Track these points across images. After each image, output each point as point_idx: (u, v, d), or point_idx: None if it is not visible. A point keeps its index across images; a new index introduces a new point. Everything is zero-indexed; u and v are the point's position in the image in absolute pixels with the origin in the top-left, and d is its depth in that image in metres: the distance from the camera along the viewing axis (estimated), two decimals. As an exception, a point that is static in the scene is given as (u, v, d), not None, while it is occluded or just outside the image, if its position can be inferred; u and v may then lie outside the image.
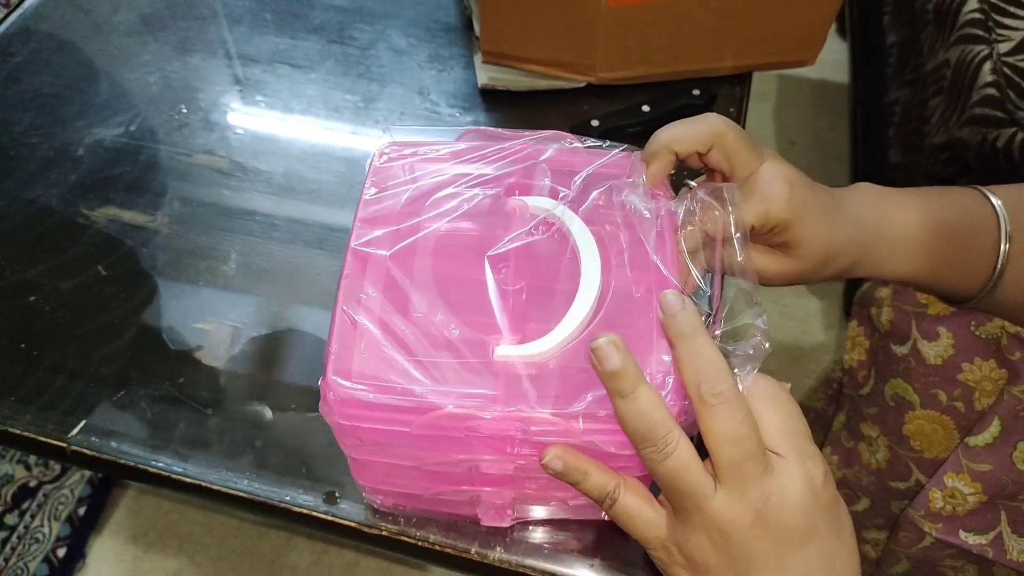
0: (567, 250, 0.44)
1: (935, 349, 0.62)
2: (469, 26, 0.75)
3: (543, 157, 0.48)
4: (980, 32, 1.05)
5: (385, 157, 0.48)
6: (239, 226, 0.63)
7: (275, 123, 0.70)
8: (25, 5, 0.78)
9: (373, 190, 0.46)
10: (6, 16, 0.77)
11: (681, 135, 0.47)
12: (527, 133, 0.49)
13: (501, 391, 0.39)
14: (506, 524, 0.48)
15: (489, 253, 0.44)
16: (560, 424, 0.39)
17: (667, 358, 0.40)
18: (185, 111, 0.70)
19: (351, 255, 0.43)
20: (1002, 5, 1.05)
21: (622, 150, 0.48)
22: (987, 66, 1.01)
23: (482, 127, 0.51)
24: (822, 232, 0.48)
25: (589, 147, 0.49)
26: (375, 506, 0.49)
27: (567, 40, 0.67)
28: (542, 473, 0.40)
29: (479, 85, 0.71)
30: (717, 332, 0.41)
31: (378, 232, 0.44)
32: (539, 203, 0.46)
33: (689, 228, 0.45)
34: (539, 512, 0.48)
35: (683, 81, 0.71)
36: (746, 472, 0.38)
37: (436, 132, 0.50)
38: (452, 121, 0.69)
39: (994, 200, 0.51)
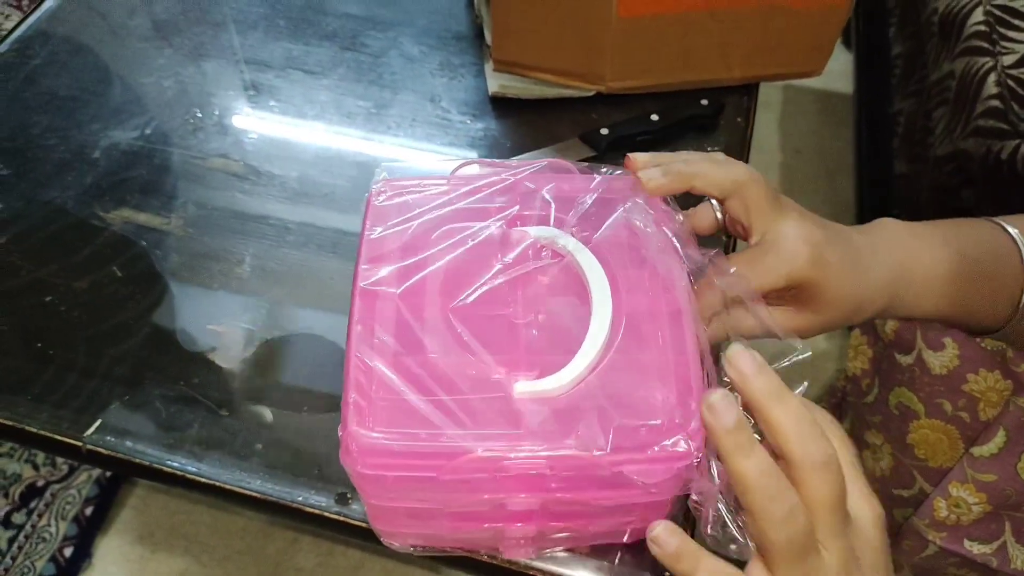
0: (575, 278, 0.44)
1: (940, 359, 0.62)
2: (480, 35, 0.75)
3: (544, 187, 0.48)
4: (985, 44, 1.06)
5: (383, 196, 0.47)
6: (253, 229, 0.64)
7: (288, 128, 0.71)
8: (42, 8, 0.79)
9: (376, 229, 0.46)
10: (24, 19, 0.78)
11: (705, 172, 0.46)
12: (524, 164, 0.49)
13: (525, 429, 0.39)
14: (529, 557, 0.48)
15: (497, 285, 0.43)
16: (589, 458, 0.38)
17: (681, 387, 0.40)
18: (199, 115, 0.71)
19: (359, 297, 0.43)
20: (1007, 18, 1.06)
21: (622, 173, 0.48)
22: (992, 78, 1.02)
23: (478, 159, 0.51)
24: (849, 285, 0.46)
25: (587, 171, 0.49)
26: (392, 548, 0.48)
27: (578, 50, 0.68)
28: (568, 507, 0.40)
29: (490, 93, 0.72)
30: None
31: (384, 271, 0.44)
32: (543, 232, 0.46)
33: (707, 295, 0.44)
34: (560, 542, 0.48)
35: (692, 91, 0.72)
36: (843, 523, 0.36)
37: (431, 168, 0.50)
38: (463, 128, 0.70)
39: (1011, 230, 0.50)
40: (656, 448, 0.39)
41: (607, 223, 0.46)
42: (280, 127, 0.71)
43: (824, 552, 0.36)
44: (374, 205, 0.47)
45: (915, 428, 0.66)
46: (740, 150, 0.69)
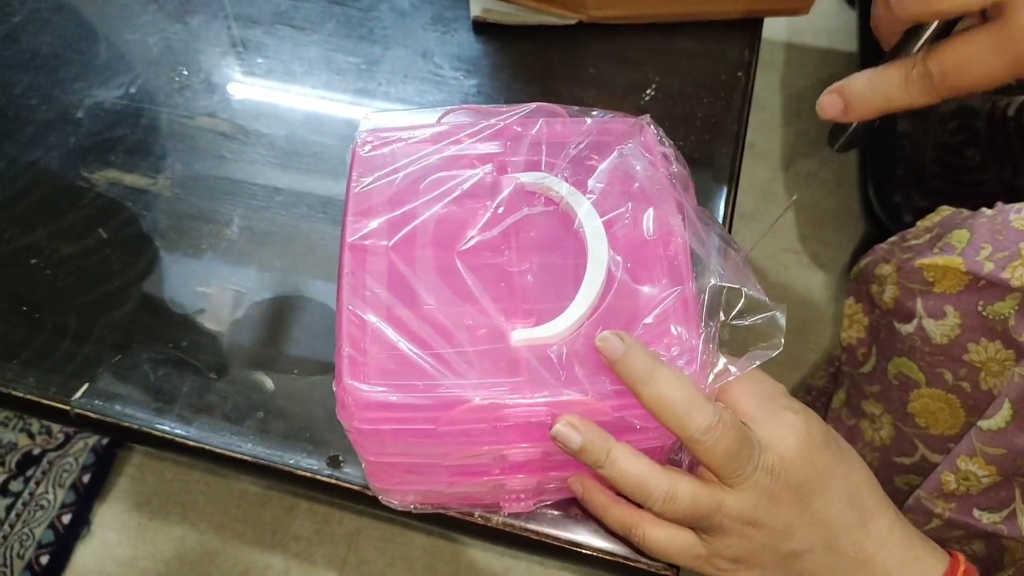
0: (568, 224, 0.43)
1: (941, 328, 0.61)
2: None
3: (533, 131, 0.47)
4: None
5: (368, 146, 0.46)
6: (241, 190, 0.62)
7: (277, 86, 0.69)
8: (23, -35, 0.77)
9: (362, 181, 0.44)
10: (4, -23, 0.76)
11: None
12: (513, 108, 0.47)
13: (525, 377, 0.38)
14: (529, 511, 0.48)
15: (489, 234, 0.42)
16: (590, 403, 0.38)
17: (683, 329, 0.40)
18: (186, 73, 0.69)
19: (349, 251, 0.42)
20: None
21: (613, 115, 0.47)
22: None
23: (464, 105, 0.50)
24: None
25: (577, 115, 0.48)
26: (391, 506, 0.47)
27: None
28: (570, 457, 0.40)
29: (472, 16, 0.71)
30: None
31: (373, 224, 0.43)
32: (534, 178, 0.44)
33: None
34: (559, 492, 0.47)
35: (680, 26, 0.70)
36: (746, 466, 0.39)
37: (417, 114, 0.48)
38: (456, 84, 0.68)
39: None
40: None
41: (600, 167, 0.45)
42: (268, 85, 0.69)
43: (730, 492, 0.40)
44: (360, 156, 0.46)
45: (916, 397, 0.65)
46: (741, 106, 0.67)
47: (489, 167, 0.45)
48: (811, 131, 1.58)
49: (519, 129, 0.46)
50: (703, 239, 0.43)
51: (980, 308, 0.59)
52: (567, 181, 0.44)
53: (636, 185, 0.44)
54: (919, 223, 0.69)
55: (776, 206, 1.47)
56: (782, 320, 0.41)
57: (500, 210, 0.43)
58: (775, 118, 1.58)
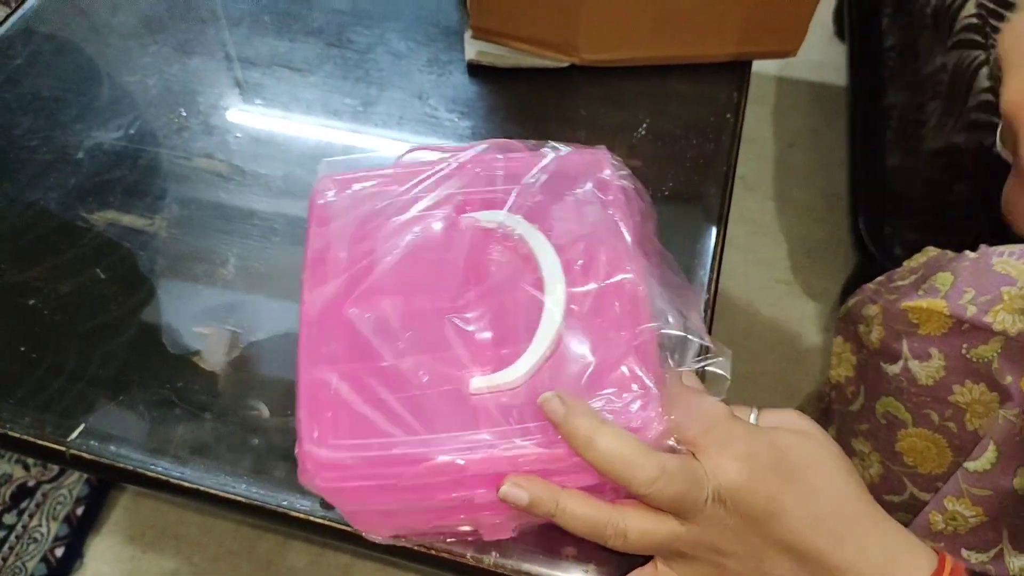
0: (526, 261, 0.44)
1: (926, 370, 0.62)
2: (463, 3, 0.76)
3: (492, 168, 0.47)
4: (977, 37, 1.05)
5: (327, 194, 0.46)
6: (238, 229, 0.63)
7: (274, 126, 0.70)
8: (25, 7, 0.78)
9: (320, 231, 0.45)
10: (6, 18, 0.77)
11: None
12: (468, 146, 0.48)
13: (483, 428, 0.39)
14: (510, 536, 0.48)
15: (446, 278, 0.43)
16: (546, 454, 0.39)
17: (638, 371, 0.41)
18: (184, 114, 0.70)
19: (307, 308, 0.42)
20: (1000, 10, 1.06)
21: (567, 152, 0.48)
22: (984, 71, 1.01)
23: (423, 146, 0.50)
24: None
25: (534, 148, 0.48)
26: (376, 541, 0.48)
27: (552, 18, 0.69)
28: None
29: (466, 59, 0.73)
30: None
31: (330, 279, 0.43)
32: (493, 217, 0.45)
33: None
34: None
35: (671, 68, 0.72)
36: (696, 503, 0.40)
37: (375, 158, 0.49)
38: (451, 126, 0.70)
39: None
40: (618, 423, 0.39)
41: (557, 205, 0.46)
42: (266, 126, 0.70)
43: (683, 528, 0.41)
44: (317, 205, 0.46)
45: (903, 437, 0.66)
46: (730, 147, 0.68)
47: (447, 208, 0.45)
48: (801, 163, 1.60)
49: (477, 168, 0.47)
50: (656, 280, 0.44)
51: (964, 351, 0.59)
52: (525, 219, 0.45)
53: (591, 226, 0.45)
54: (905, 263, 0.70)
55: (766, 237, 1.49)
56: (727, 367, 0.42)
57: (459, 253, 0.44)
58: (766, 151, 1.60)
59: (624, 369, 0.40)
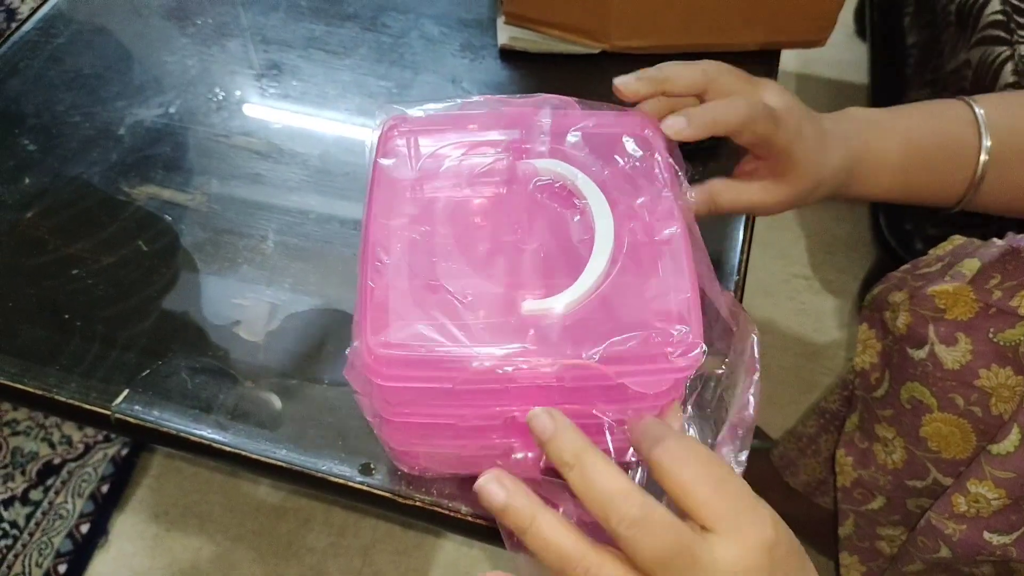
0: (576, 207, 0.47)
1: (953, 354, 0.63)
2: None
3: (547, 120, 0.50)
4: (1002, 33, 1.06)
5: (392, 132, 0.50)
6: (275, 206, 0.64)
7: (311, 108, 0.71)
8: (66, -12, 0.80)
9: (385, 163, 0.48)
10: (48, -1, 0.79)
11: (672, 75, 0.51)
12: (525, 98, 0.51)
13: (534, 343, 0.41)
14: (538, 477, 0.49)
15: (503, 215, 0.46)
16: (594, 368, 0.40)
17: (685, 313, 0.42)
18: (222, 94, 0.72)
19: (372, 224, 0.45)
20: (1025, 7, 1.06)
21: (623, 111, 0.51)
22: (1008, 67, 1.02)
23: (485, 96, 0.52)
24: (815, 163, 0.53)
25: (588, 107, 0.51)
26: (403, 470, 0.50)
27: (584, 5, 0.71)
28: (574, 421, 0.40)
29: (499, 44, 0.74)
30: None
31: (395, 202, 0.46)
32: (547, 164, 0.48)
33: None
34: None
35: (700, 56, 0.73)
36: (680, 572, 0.35)
37: (437, 103, 0.52)
38: (484, 109, 0.71)
39: (978, 110, 0.55)
40: (658, 358, 0.41)
41: (608, 154, 0.49)
42: (302, 107, 0.72)
43: None
44: (383, 138, 0.49)
45: (928, 422, 0.66)
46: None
47: (504, 152, 0.48)
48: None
49: (534, 118, 0.50)
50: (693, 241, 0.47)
51: (991, 335, 0.60)
52: (577, 167, 0.47)
53: (641, 171, 0.48)
54: (931, 251, 0.71)
55: (785, 232, 1.49)
56: (756, 347, 0.45)
57: (514, 193, 0.47)
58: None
59: (669, 310, 0.43)
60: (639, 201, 0.47)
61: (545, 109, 0.50)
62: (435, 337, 0.40)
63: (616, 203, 0.46)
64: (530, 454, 0.47)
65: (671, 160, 0.49)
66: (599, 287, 0.43)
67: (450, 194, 0.47)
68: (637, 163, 0.48)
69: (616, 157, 0.49)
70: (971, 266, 0.63)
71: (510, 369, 0.40)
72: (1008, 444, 0.59)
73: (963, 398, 0.63)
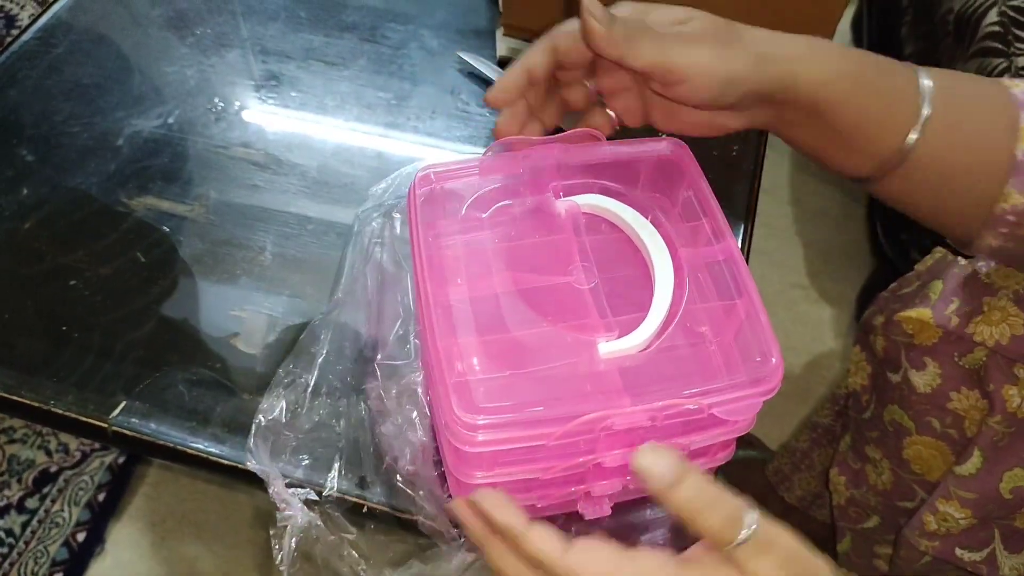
0: (625, 240, 0.47)
1: (923, 378, 0.63)
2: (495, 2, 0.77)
3: (579, 156, 0.49)
4: (999, 45, 1.06)
5: (426, 187, 0.48)
6: (274, 217, 0.64)
7: (309, 118, 0.72)
8: (66, -2, 0.80)
9: (426, 225, 0.47)
10: (47, 8, 0.79)
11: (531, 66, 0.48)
12: (554, 137, 0.50)
13: (619, 387, 0.40)
14: (606, 514, 0.48)
15: (553, 254, 0.45)
16: (688, 403, 0.40)
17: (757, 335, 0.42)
18: (221, 105, 0.72)
19: (428, 286, 0.43)
20: (1022, 19, 1.06)
21: (651, 140, 0.51)
22: (1005, 79, 1.02)
23: (510, 137, 0.51)
24: (709, 59, 0.45)
25: (617, 142, 0.51)
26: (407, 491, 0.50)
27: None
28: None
29: (498, 56, 0.75)
30: None
31: (446, 265, 0.45)
32: (588, 200, 0.47)
33: None
34: (636, 492, 0.48)
35: None
36: None
37: (465, 156, 0.53)
38: (482, 120, 0.71)
39: (924, 81, 0.47)
40: (745, 385, 0.40)
41: (642, 181, 0.49)
42: (301, 118, 0.72)
43: None
44: (419, 197, 0.48)
45: (908, 444, 0.67)
46: (757, 146, 0.69)
47: (545, 194, 0.48)
48: (818, 169, 1.61)
49: (564, 156, 0.49)
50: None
51: (957, 358, 0.60)
52: (617, 199, 0.47)
53: (684, 199, 0.48)
54: (916, 266, 0.71)
55: (783, 241, 1.50)
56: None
57: (563, 233, 0.46)
58: (781, 155, 1.61)
59: (744, 332, 0.43)
60: (686, 225, 0.47)
61: (576, 145, 0.50)
62: (520, 397, 0.40)
63: (663, 230, 0.46)
64: (609, 492, 0.46)
65: (703, 181, 0.49)
66: (671, 319, 0.43)
67: (498, 243, 0.46)
68: (674, 188, 0.48)
69: (651, 182, 0.48)
70: (936, 288, 0.63)
71: (604, 418, 0.39)
72: (970, 466, 0.60)
73: (939, 421, 0.63)
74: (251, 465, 0.50)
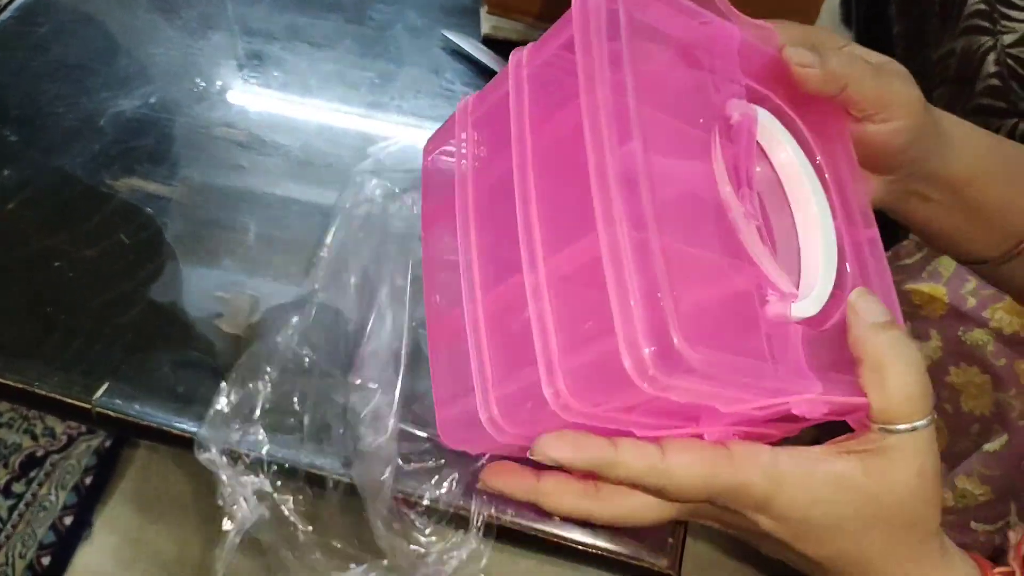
0: (774, 172, 0.36)
1: (925, 350, 0.64)
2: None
3: (759, 52, 0.37)
4: (985, 23, 1.06)
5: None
6: (257, 198, 0.64)
7: (293, 98, 0.71)
8: (46, -23, 0.79)
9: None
10: (27, -13, 0.78)
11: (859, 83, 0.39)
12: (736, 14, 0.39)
13: (776, 365, 0.31)
14: None
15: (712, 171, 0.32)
16: (860, 400, 0.33)
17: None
18: (204, 85, 0.71)
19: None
20: (1007, -3, 1.07)
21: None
22: (991, 57, 1.02)
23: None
24: (919, 98, 0.41)
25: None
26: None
27: None
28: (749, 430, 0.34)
29: (482, 34, 0.75)
30: None
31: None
32: (763, 117, 0.36)
33: None
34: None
35: None
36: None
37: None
38: (467, 100, 0.71)
39: None
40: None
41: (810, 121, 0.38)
42: (285, 98, 0.71)
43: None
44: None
45: None
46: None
47: (706, 88, 0.35)
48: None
49: (746, 44, 0.37)
50: None
51: (960, 334, 0.61)
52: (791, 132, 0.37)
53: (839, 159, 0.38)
54: (911, 236, 0.71)
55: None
56: None
57: (726, 138, 0.34)
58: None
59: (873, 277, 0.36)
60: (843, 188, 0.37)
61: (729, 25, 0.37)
62: (731, 345, 0.30)
63: (826, 186, 0.36)
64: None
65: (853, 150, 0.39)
66: (838, 294, 0.34)
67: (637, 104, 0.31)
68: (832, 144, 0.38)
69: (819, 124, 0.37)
70: (948, 264, 0.63)
71: (786, 406, 0.30)
72: (996, 443, 0.60)
73: (935, 395, 0.64)
74: (201, 456, 0.50)
